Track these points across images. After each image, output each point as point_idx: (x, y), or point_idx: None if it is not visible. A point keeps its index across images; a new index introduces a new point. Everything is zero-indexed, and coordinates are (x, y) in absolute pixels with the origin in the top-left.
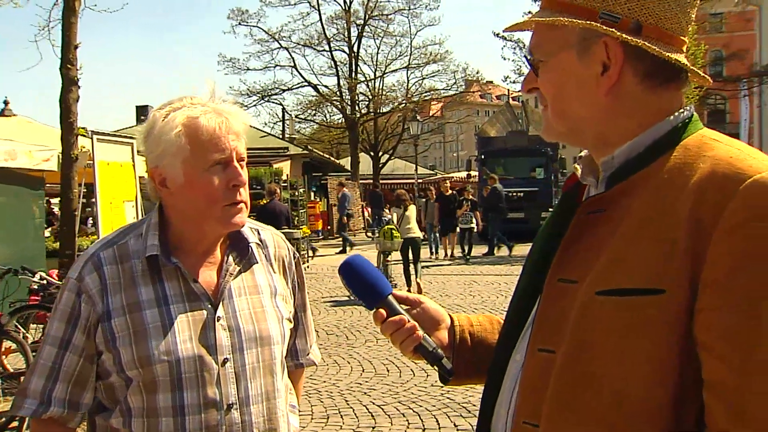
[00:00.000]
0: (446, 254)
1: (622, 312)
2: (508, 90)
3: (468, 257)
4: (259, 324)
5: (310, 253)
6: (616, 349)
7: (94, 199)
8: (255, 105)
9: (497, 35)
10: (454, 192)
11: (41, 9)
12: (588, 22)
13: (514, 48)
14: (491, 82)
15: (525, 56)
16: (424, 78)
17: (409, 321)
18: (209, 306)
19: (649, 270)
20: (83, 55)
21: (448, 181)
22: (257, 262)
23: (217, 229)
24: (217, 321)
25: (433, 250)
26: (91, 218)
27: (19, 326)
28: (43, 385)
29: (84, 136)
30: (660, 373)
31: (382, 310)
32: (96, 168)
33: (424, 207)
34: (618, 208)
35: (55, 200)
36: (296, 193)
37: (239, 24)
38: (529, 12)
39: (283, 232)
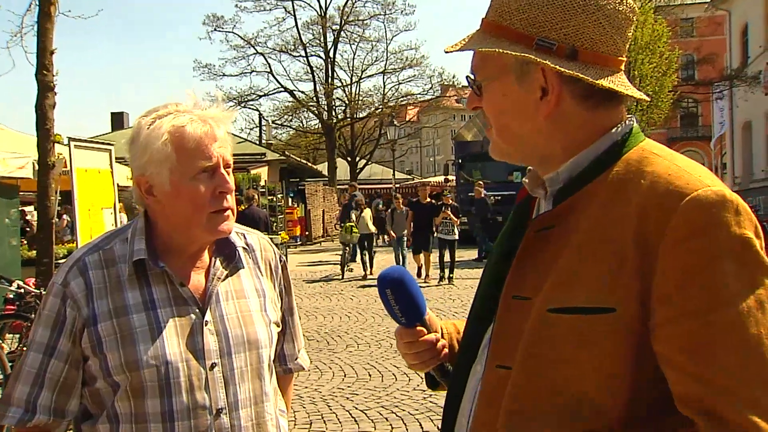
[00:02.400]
0: (419, 274)
1: (574, 330)
2: None
3: (451, 276)
4: (246, 328)
5: (288, 260)
6: (570, 362)
7: (70, 206)
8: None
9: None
10: (432, 201)
11: (13, 15)
12: (522, 54)
13: None
14: (467, 86)
15: (467, 76)
16: (400, 83)
17: (440, 339)
18: (197, 310)
19: (599, 289)
20: (58, 62)
21: (427, 187)
22: (244, 267)
23: (203, 237)
24: (205, 325)
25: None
26: (67, 226)
27: None
28: (28, 393)
29: (60, 143)
30: (613, 385)
31: (422, 328)
32: (73, 175)
33: (390, 217)
34: (566, 223)
35: (29, 208)
36: (274, 199)
37: (215, 30)
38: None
39: None
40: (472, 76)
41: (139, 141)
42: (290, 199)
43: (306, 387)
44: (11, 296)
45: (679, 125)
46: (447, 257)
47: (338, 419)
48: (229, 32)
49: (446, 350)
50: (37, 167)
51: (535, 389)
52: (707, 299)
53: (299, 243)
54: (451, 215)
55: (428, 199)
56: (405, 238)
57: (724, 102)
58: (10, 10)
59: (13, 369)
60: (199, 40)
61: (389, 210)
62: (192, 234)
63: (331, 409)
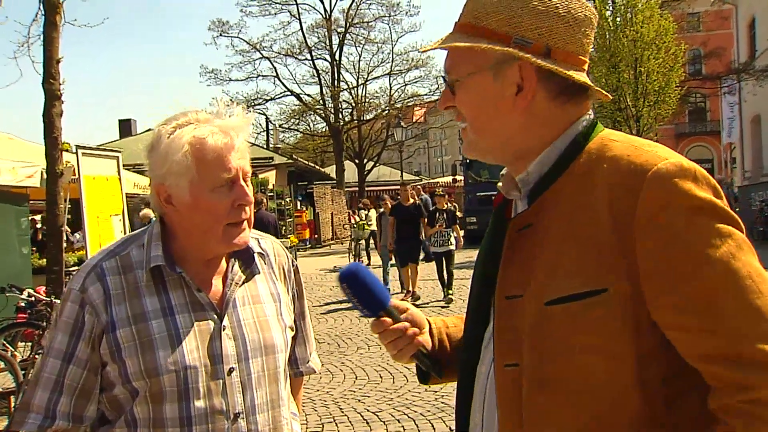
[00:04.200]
0: (405, 290)
1: (571, 317)
2: None
3: (449, 294)
4: (263, 333)
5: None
6: (576, 350)
7: (80, 215)
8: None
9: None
10: (418, 201)
11: (20, 25)
12: (506, 48)
13: None
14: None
15: (441, 76)
16: (406, 84)
17: (410, 327)
18: (215, 316)
19: (587, 273)
20: (65, 70)
21: (409, 187)
22: (260, 272)
23: (219, 248)
24: (223, 330)
25: (386, 281)
26: (77, 233)
27: (7, 344)
28: (48, 399)
29: (68, 151)
30: (618, 363)
31: (386, 318)
32: (82, 183)
33: (377, 222)
34: (543, 220)
35: (39, 217)
36: (283, 203)
37: (220, 35)
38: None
39: None
40: (446, 75)
41: (159, 150)
42: (299, 203)
43: (317, 390)
44: (23, 304)
45: (687, 120)
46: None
47: (350, 421)
48: (234, 37)
49: (421, 338)
50: (45, 176)
51: (549, 377)
52: (691, 261)
53: (308, 246)
54: (442, 228)
55: (411, 200)
56: (390, 250)
57: (734, 96)
58: (17, 21)
59: (32, 376)
60: (205, 45)
61: (378, 215)
62: (209, 245)
63: (342, 412)
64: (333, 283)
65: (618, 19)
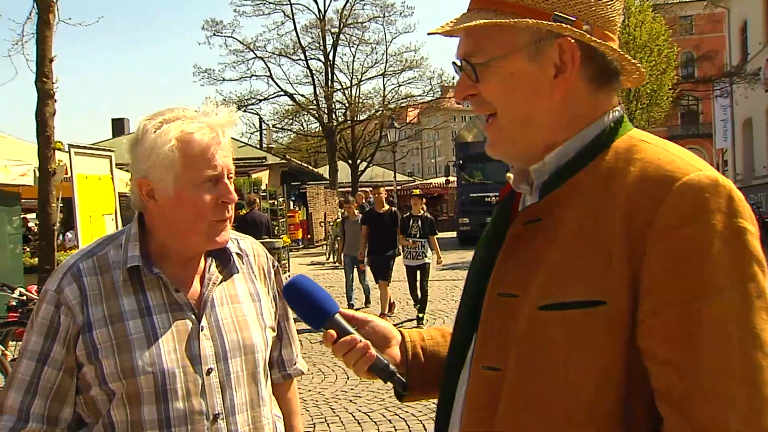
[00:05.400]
0: (385, 310)
1: (566, 326)
2: None
3: (422, 315)
4: (242, 333)
5: (290, 263)
6: (564, 364)
7: (72, 214)
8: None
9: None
10: (391, 208)
11: (14, 23)
12: (549, 22)
13: None
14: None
15: (454, 62)
16: (400, 85)
17: (360, 340)
18: (192, 316)
19: (590, 282)
20: (58, 69)
21: (382, 191)
22: (238, 271)
23: (201, 245)
24: (201, 331)
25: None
26: (69, 232)
27: None
28: (21, 401)
29: (61, 150)
30: (607, 384)
31: (331, 331)
32: (74, 182)
33: (341, 229)
34: (553, 216)
35: (31, 215)
36: (276, 203)
37: (214, 35)
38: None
39: (264, 242)
40: (465, 61)
41: (144, 144)
42: (292, 203)
43: (309, 390)
44: (14, 303)
45: (680, 123)
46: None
47: (341, 422)
48: (228, 37)
49: (372, 351)
50: (38, 174)
51: (531, 393)
52: (693, 288)
53: (301, 246)
54: (428, 240)
55: (386, 207)
56: (358, 260)
57: (726, 99)
58: (11, 19)
59: (7, 377)
60: (199, 45)
61: (341, 220)
62: (190, 241)
63: (334, 412)
64: (325, 283)
65: None
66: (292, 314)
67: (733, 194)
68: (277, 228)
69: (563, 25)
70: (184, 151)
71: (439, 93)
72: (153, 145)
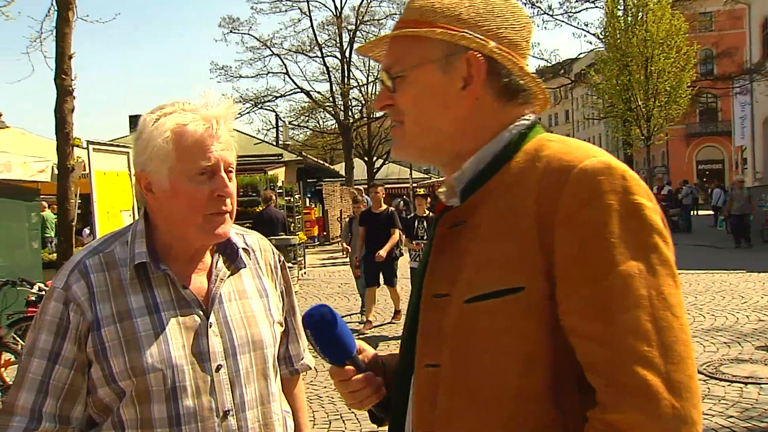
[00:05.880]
0: (364, 318)
1: (489, 315)
2: None
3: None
4: (250, 329)
5: (306, 260)
6: (491, 351)
7: (89, 210)
8: (248, 112)
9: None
10: (388, 208)
11: (33, 21)
12: (461, 33)
13: None
14: None
15: (377, 77)
16: None
17: (374, 377)
18: (200, 312)
19: (508, 271)
20: (77, 66)
21: (380, 189)
22: (245, 267)
23: (199, 239)
24: (209, 327)
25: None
26: (87, 228)
27: (17, 338)
28: (33, 401)
29: (79, 146)
30: (532, 367)
31: (350, 367)
32: (93, 178)
33: (347, 229)
34: (475, 217)
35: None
36: (292, 200)
37: (231, 32)
38: None
39: (280, 239)
40: (386, 73)
41: (142, 137)
42: (308, 200)
43: (325, 387)
44: (33, 298)
45: (698, 121)
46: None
47: (357, 418)
48: (245, 34)
49: (384, 387)
50: (56, 171)
51: (463, 383)
52: (600, 264)
53: (317, 243)
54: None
55: (383, 207)
56: (356, 266)
57: (746, 97)
58: (30, 16)
59: (15, 377)
60: (215, 42)
61: (348, 220)
62: (188, 235)
63: (350, 408)
64: (341, 279)
65: (629, 18)
66: (299, 310)
67: (627, 174)
68: (293, 225)
69: (471, 38)
70: (177, 142)
71: None
72: (149, 138)
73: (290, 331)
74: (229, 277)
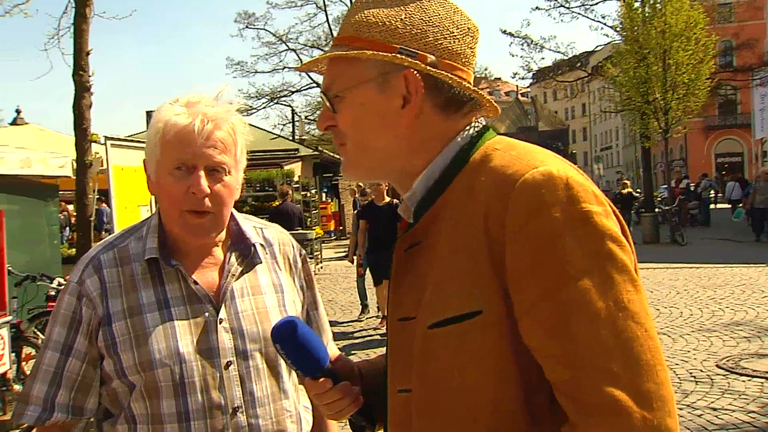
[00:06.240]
0: (381, 315)
1: (452, 340)
2: (517, 86)
3: None
4: (262, 325)
5: (323, 254)
6: (459, 374)
7: (105, 205)
8: (264, 107)
9: (504, 32)
10: (392, 200)
11: (51, 18)
12: (393, 54)
13: (522, 44)
14: (499, 78)
15: (321, 94)
16: None
17: (350, 387)
18: (211, 308)
19: (463, 294)
20: (94, 62)
21: (383, 184)
22: (261, 262)
23: (181, 235)
24: (220, 323)
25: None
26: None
27: (37, 332)
28: (46, 391)
29: (97, 142)
30: (505, 386)
31: (325, 379)
32: (110, 173)
33: (356, 225)
34: (431, 236)
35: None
36: (308, 194)
37: (246, 27)
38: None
39: (296, 233)
40: (326, 93)
41: (148, 128)
42: (324, 194)
43: None
44: (53, 293)
45: (717, 113)
46: None
47: None
48: (260, 29)
49: (361, 397)
50: (75, 166)
51: (434, 407)
52: (553, 279)
53: (333, 237)
54: None
55: (387, 199)
56: (359, 264)
57: (766, 88)
58: (48, 14)
59: (32, 367)
60: (231, 37)
61: (355, 214)
62: (174, 230)
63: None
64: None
65: (647, 10)
66: (322, 303)
67: (571, 182)
68: (309, 219)
69: (405, 58)
70: (162, 135)
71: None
72: (149, 128)
73: (313, 326)
74: (242, 272)
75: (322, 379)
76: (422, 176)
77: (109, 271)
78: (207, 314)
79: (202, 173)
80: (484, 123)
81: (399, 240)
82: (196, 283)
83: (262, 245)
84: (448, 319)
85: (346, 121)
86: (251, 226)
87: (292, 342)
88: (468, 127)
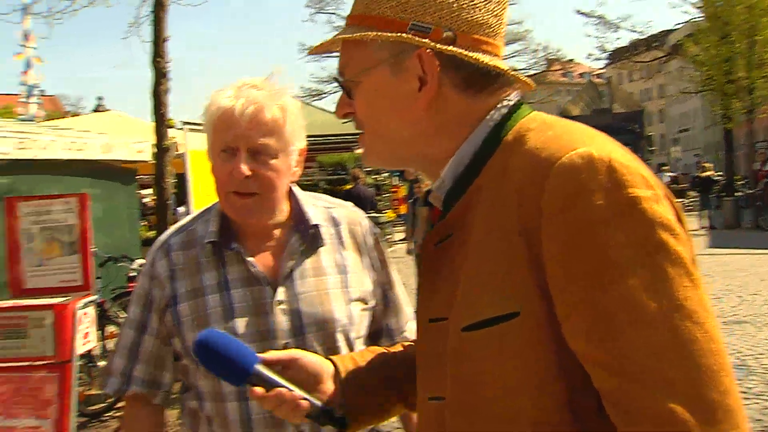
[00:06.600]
0: None
1: (488, 343)
2: (591, 68)
3: None
4: (322, 306)
5: (395, 237)
6: (497, 379)
7: (184, 189)
8: (336, 92)
9: (579, 12)
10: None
11: (130, 7)
12: (398, 34)
13: (597, 24)
14: (572, 60)
15: (335, 79)
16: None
17: (290, 391)
18: (270, 290)
19: (498, 294)
20: (171, 50)
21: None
22: (324, 244)
23: (231, 216)
24: (278, 305)
25: None
26: (181, 207)
27: (119, 311)
28: (124, 366)
29: (173, 127)
30: (546, 393)
31: (256, 388)
32: (188, 157)
33: (411, 214)
34: (462, 228)
35: (147, 191)
36: (379, 178)
37: (317, 12)
38: None
39: (368, 217)
40: (341, 78)
41: None
42: (395, 178)
43: None
44: (133, 274)
45: None
46: None
47: None
48: (331, 13)
49: (303, 401)
50: (155, 151)
51: (471, 413)
52: (596, 279)
53: (404, 221)
54: None
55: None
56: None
57: None
58: (128, 3)
59: (115, 343)
60: (302, 22)
61: (411, 201)
62: (226, 211)
63: None
64: None
65: None
66: (399, 281)
67: (614, 164)
68: (381, 203)
69: (415, 37)
70: (213, 117)
71: (545, 66)
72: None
73: (389, 305)
74: (303, 253)
75: (255, 388)
76: (451, 162)
77: (177, 254)
78: (266, 296)
79: (243, 155)
80: (515, 99)
81: (428, 233)
82: (254, 266)
83: (329, 224)
84: (483, 321)
85: (361, 108)
86: (318, 205)
87: (207, 353)
88: (499, 105)
